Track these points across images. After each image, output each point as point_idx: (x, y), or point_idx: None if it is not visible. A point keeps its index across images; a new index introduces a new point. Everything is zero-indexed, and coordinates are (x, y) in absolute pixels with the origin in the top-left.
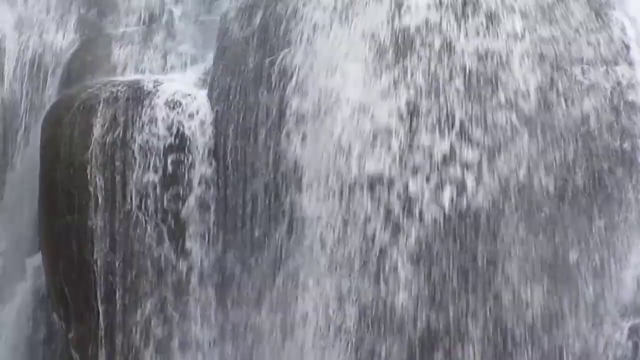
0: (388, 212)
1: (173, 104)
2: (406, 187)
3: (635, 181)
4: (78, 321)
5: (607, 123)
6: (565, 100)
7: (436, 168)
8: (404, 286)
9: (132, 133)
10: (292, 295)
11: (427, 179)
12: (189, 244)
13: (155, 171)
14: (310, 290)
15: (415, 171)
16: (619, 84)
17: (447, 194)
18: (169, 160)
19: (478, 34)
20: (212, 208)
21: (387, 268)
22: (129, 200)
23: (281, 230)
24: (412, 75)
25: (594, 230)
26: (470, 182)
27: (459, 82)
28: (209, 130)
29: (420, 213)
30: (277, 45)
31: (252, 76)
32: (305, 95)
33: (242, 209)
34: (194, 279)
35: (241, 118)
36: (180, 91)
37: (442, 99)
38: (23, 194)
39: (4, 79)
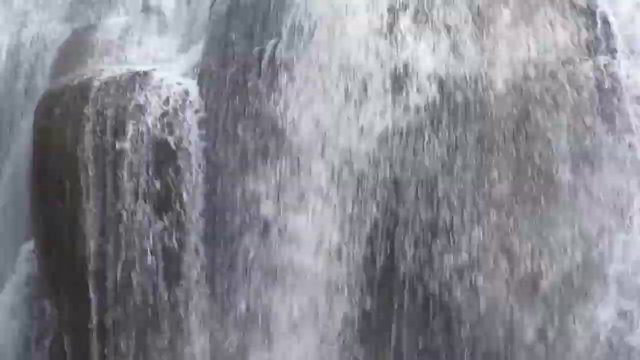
0: None
1: (163, 93)
2: None
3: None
4: (69, 305)
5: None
6: None
7: None
8: None
9: (123, 121)
10: None
11: None
12: (179, 227)
13: (147, 158)
14: None
15: None
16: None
17: None
18: (160, 148)
19: None
20: (203, 192)
21: None
22: (119, 186)
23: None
24: None
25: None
26: None
27: None
28: (199, 117)
29: None
30: (264, 35)
31: (240, 67)
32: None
33: (231, 192)
34: (185, 263)
35: (230, 106)
36: (170, 80)
37: None
38: (17, 182)
39: (4, 76)
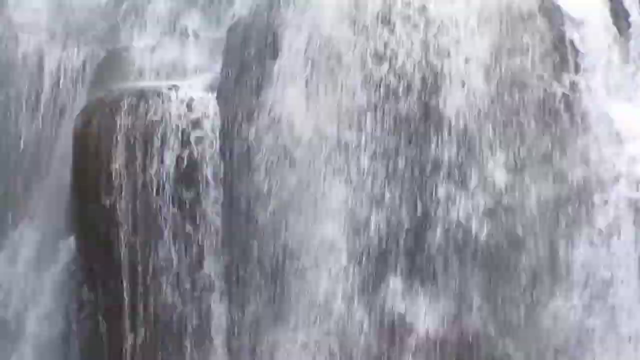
0: None
1: (186, 106)
2: None
3: None
4: (105, 293)
5: None
6: None
7: None
8: None
9: (151, 130)
10: None
11: None
12: (202, 224)
13: (172, 162)
14: None
15: None
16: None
17: None
18: (183, 153)
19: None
20: (221, 190)
21: None
22: (149, 187)
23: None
24: None
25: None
26: None
27: None
28: (217, 128)
29: None
30: (272, 54)
31: (253, 82)
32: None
33: (245, 186)
34: (208, 255)
35: (244, 116)
36: (192, 95)
37: None
38: (59, 182)
39: (43, 86)
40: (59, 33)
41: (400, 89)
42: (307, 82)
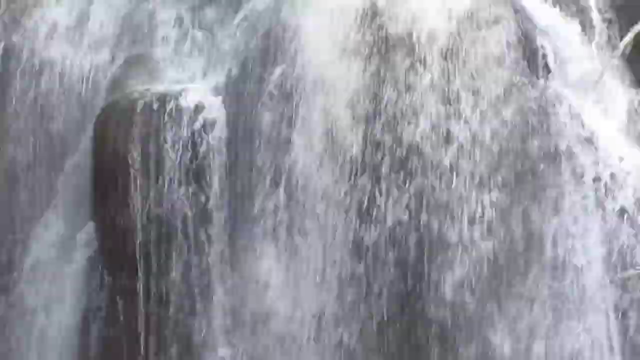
0: None
1: (195, 107)
2: None
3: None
4: (122, 275)
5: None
6: None
7: None
8: None
9: (164, 129)
10: None
11: None
12: (209, 215)
13: (182, 158)
14: None
15: None
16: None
17: None
18: (193, 150)
19: None
20: (228, 185)
21: None
22: (161, 181)
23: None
24: None
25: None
26: None
27: None
28: (223, 127)
29: None
30: (275, 61)
31: (256, 85)
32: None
33: (248, 179)
34: (214, 243)
35: (247, 116)
36: (201, 97)
37: None
38: (81, 175)
39: (68, 87)
40: (82, 41)
41: None
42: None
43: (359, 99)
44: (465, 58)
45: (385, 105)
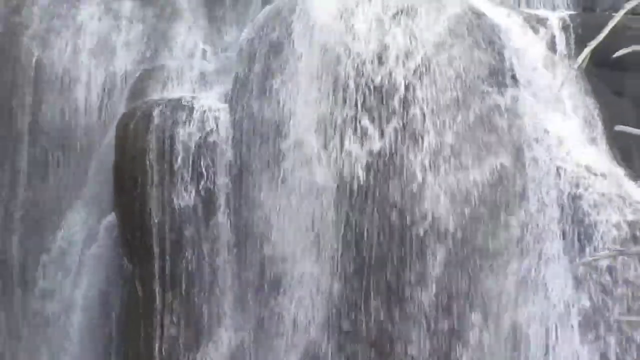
0: None
1: (204, 113)
2: None
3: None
4: (140, 263)
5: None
6: None
7: None
8: None
9: (177, 133)
10: None
11: None
12: (216, 207)
13: (193, 156)
14: None
15: None
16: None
17: None
18: (202, 151)
19: None
20: (233, 183)
21: None
22: (175, 179)
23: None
24: None
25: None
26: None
27: None
28: (229, 130)
29: None
30: (273, 74)
31: (260, 93)
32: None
33: (253, 171)
34: (221, 232)
35: (249, 121)
36: (209, 104)
37: None
38: (102, 173)
39: (91, 95)
40: (106, 55)
41: None
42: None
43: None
44: (443, 70)
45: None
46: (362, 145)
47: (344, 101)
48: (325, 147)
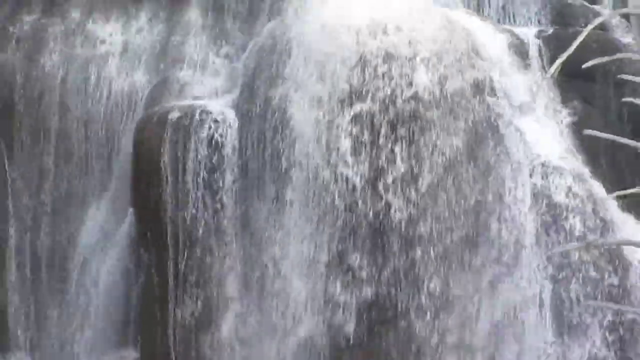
0: None
1: (214, 118)
2: None
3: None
4: (156, 253)
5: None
6: None
7: None
8: None
9: (188, 136)
10: None
11: None
12: (224, 204)
13: (203, 157)
14: None
15: None
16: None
17: None
18: (211, 152)
19: None
20: (239, 181)
21: None
22: (187, 178)
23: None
24: None
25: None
26: None
27: None
28: (236, 133)
29: None
30: (276, 82)
31: (263, 100)
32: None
33: (257, 171)
34: (228, 227)
35: (254, 126)
36: (218, 110)
37: None
38: (123, 171)
39: (112, 102)
40: (126, 66)
41: None
42: None
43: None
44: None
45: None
46: None
47: None
48: None
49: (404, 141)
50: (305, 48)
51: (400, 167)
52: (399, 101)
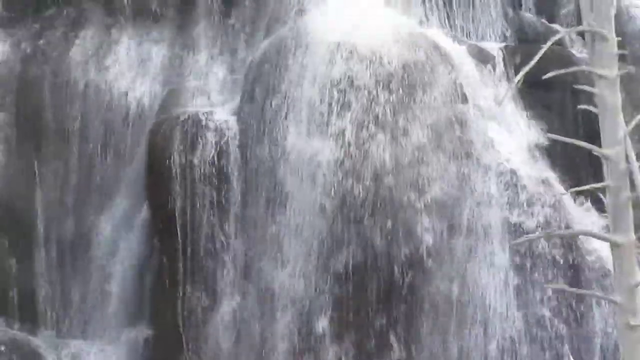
0: None
1: (218, 123)
2: None
3: None
4: (167, 242)
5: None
6: None
7: None
8: None
9: (196, 139)
10: None
11: None
12: (228, 201)
13: (209, 161)
14: None
15: None
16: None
17: None
18: (216, 154)
19: None
20: (240, 178)
21: None
22: (194, 178)
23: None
24: None
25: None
26: None
27: None
28: (237, 137)
29: None
30: (272, 93)
31: (262, 108)
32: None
33: (257, 170)
34: (231, 221)
35: (254, 131)
36: (222, 116)
37: None
38: (137, 170)
39: (130, 115)
40: (140, 77)
41: None
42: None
43: None
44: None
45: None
46: None
47: None
48: None
49: (385, 139)
50: (297, 63)
51: (380, 159)
52: (380, 109)
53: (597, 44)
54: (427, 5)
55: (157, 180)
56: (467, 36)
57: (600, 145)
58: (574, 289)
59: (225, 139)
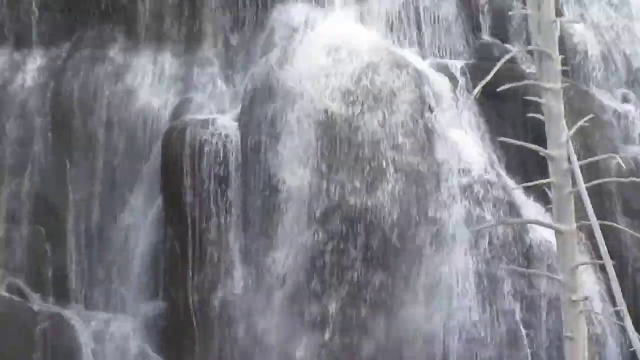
0: None
1: (221, 129)
2: None
3: None
4: (178, 229)
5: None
6: None
7: None
8: None
9: (203, 142)
10: None
11: None
12: (231, 196)
13: (214, 162)
14: None
15: None
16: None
17: None
18: (220, 156)
19: None
20: (240, 177)
21: None
22: (201, 174)
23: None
24: None
25: None
26: None
27: None
28: (238, 140)
29: None
30: (269, 100)
31: (258, 116)
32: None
33: (255, 169)
34: (234, 212)
35: (253, 136)
36: (225, 122)
37: None
38: (154, 168)
39: (148, 121)
40: (155, 90)
41: None
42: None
43: None
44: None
45: None
46: None
47: None
48: None
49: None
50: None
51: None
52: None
53: (544, 61)
54: (400, 28)
55: (170, 176)
56: (433, 55)
57: (546, 148)
58: (524, 269)
59: (228, 141)
